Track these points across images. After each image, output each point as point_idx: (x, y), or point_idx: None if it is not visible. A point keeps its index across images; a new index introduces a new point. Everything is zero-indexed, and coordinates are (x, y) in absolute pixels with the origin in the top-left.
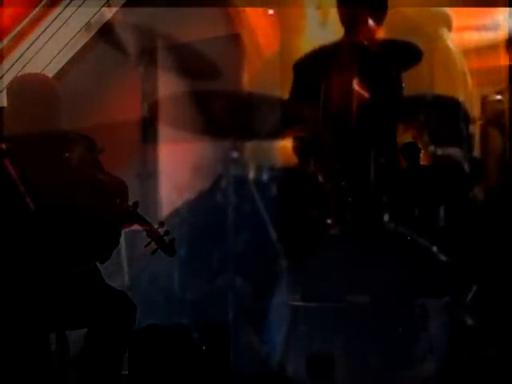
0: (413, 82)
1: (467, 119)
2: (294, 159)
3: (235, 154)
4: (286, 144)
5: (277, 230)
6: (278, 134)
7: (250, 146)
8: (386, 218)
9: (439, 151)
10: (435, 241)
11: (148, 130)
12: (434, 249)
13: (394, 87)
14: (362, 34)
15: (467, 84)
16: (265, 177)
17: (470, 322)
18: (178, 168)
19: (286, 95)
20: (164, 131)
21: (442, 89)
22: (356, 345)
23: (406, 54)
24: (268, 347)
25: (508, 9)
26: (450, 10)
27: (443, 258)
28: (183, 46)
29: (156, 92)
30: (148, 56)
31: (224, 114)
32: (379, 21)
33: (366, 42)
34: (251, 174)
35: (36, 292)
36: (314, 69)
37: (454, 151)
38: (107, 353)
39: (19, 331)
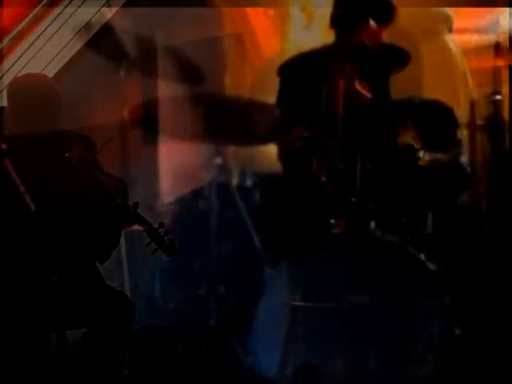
0: (413, 83)
1: (458, 122)
2: (277, 165)
3: (219, 160)
4: (271, 150)
5: (261, 236)
6: (264, 138)
7: (233, 151)
8: (383, 220)
9: (428, 155)
10: (427, 246)
11: (130, 134)
12: (423, 255)
13: (384, 90)
14: (357, 36)
15: (467, 84)
16: (249, 183)
17: (458, 329)
18: (160, 173)
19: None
20: (146, 136)
21: (442, 89)
22: (344, 346)
23: (394, 57)
24: (260, 351)
25: (508, 9)
26: (450, 11)
27: (432, 265)
28: (170, 48)
29: (139, 96)
30: (134, 59)
31: (207, 118)
32: (381, 25)
33: (359, 45)
34: (235, 180)
35: (36, 292)
36: (307, 72)
37: (444, 155)
38: (106, 353)
39: (19, 331)
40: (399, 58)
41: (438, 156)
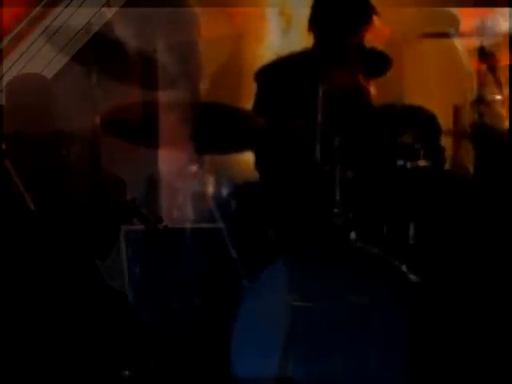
0: (419, 83)
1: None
2: (254, 173)
3: (194, 168)
4: (248, 157)
5: (238, 245)
6: (242, 145)
7: (209, 158)
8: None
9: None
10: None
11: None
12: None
13: (365, 94)
14: (339, 38)
15: (473, 85)
16: (225, 191)
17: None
18: (133, 181)
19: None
20: (119, 143)
21: (447, 89)
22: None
23: (376, 61)
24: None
25: (508, 9)
26: (457, 11)
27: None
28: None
29: (109, 101)
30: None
31: (184, 124)
32: (361, 26)
33: (340, 47)
34: (211, 189)
35: (35, 292)
36: (287, 77)
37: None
38: (107, 353)
39: (19, 331)
40: (380, 62)
41: (429, 162)
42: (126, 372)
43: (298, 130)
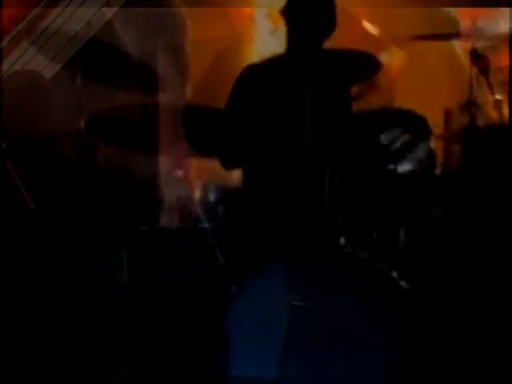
0: (420, 84)
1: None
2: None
3: (179, 173)
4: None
5: (225, 250)
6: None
7: (195, 163)
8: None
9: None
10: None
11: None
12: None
13: (347, 99)
14: (319, 43)
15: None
16: (212, 197)
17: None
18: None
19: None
20: (103, 148)
21: (447, 91)
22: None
23: (363, 65)
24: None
25: (508, 9)
26: (456, 12)
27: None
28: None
29: (89, 105)
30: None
31: (167, 128)
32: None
33: (320, 52)
34: (197, 194)
35: (35, 291)
36: (267, 80)
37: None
38: (106, 351)
39: (19, 329)
40: (368, 64)
41: (419, 166)
42: (123, 372)
43: (282, 133)
